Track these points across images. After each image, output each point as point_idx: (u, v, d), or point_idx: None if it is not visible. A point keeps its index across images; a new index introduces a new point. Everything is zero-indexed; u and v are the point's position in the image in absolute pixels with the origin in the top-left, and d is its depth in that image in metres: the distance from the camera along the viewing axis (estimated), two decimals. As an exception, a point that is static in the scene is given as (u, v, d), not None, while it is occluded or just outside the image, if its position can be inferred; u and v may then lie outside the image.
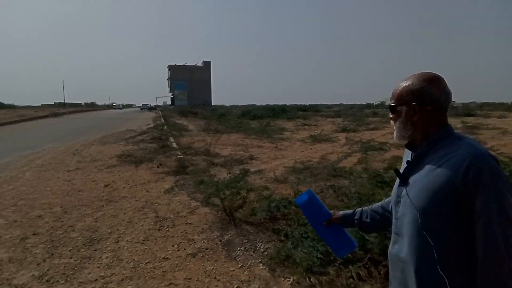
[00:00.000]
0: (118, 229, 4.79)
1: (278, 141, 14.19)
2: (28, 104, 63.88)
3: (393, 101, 1.38)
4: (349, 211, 1.68)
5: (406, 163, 1.37)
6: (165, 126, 20.87)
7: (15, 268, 3.65)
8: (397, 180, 1.39)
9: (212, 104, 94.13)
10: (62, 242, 4.36)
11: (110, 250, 4.13)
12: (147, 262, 3.80)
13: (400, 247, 1.31)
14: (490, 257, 1.10)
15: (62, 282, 3.39)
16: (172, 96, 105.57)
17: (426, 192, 1.20)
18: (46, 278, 3.45)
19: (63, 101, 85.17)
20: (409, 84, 1.32)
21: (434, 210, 1.18)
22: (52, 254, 4.00)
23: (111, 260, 3.86)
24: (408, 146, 1.40)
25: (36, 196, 6.45)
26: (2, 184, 7.40)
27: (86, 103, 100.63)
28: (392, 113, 1.40)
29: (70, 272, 3.58)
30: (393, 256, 1.36)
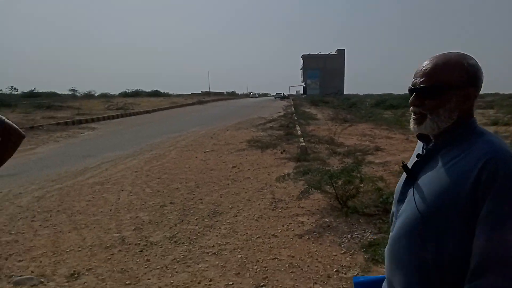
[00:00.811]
0: (238, 206, 5.29)
1: (411, 133, 13.29)
2: (180, 93, 72.63)
3: (437, 81, 1.07)
4: None
5: (416, 157, 1.17)
6: (294, 115, 21.44)
7: (152, 229, 4.42)
8: (403, 176, 1.21)
9: (345, 93, 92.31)
10: (191, 211, 5.04)
11: (228, 222, 4.62)
12: (258, 237, 4.15)
13: (397, 248, 1.13)
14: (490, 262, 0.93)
15: (186, 244, 3.98)
16: (304, 85, 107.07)
17: (432, 195, 1.04)
18: (175, 239, 4.09)
19: (208, 90, 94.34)
20: (464, 62, 1.07)
21: (439, 216, 1.02)
22: (182, 221, 4.68)
23: (228, 231, 4.33)
24: (421, 137, 1.19)
25: (177, 172, 7.50)
26: (152, 160, 8.80)
27: (227, 92, 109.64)
28: (430, 98, 1.08)
29: (194, 237, 4.16)
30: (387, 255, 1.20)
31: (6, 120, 2.01)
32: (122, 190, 6.14)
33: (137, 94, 53.79)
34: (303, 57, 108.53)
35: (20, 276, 3.25)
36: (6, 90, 39.23)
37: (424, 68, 1.10)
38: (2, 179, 7.26)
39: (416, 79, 1.12)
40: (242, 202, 5.45)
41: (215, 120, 19.98)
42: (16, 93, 39.94)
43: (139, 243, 3.99)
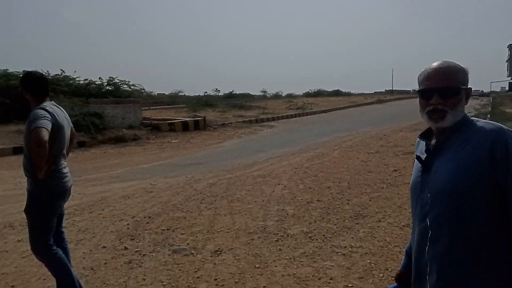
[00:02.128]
0: (385, 211, 5.05)
1: None
2: (362, 92, 71.52)
3: (455, 83, 1.29)
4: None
5: (425, 152, 1.36)
6: (489, 115, 18.42)
7: (293, 222, 4.68)
8: (417, 169, 1.38)
9: None
10: (335, 211, 5.10)
11: (369, 226, 4.49)
12: (395, 245, 3.91)
13: (434, 237, 1.27)
14: None
15: (320, 241, 4.08)
16: (511, 80, 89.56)
17: (454, 176, 1.20)
18: (310, 235, 4.25)
19: (391, 89, 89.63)
20: (461, 67, 1.32)
21: (465, 193, 1.18)
22: (323, 218, 4.79)
23: (365, 235, 4.22)
24: (422, 136, 1.42)
25: (334, 171, 7.60)
26: (313, 158, 9.13)
27: (414, 90, 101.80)
28: (451, 97, 1.29)
29: (329, 235, 4.22)
30: (420, 247, 1.32)
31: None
32: (278, 184, 6.65)
33: (318, 94, 55.85)
34: (510, 46, 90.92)
35: (178, 246, 4.01)
36: (211, 92, 46.87)
37: (442, 72, 1.31)
38: (191, 166, 8.85)
39: (435, 81, 1.30)
40: (391, 208, 5.17)
41: (390, 120, 19.00)
42: (219, 94, 47.28)
43: (277, 233, 4.31)
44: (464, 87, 1.31)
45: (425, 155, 1.35)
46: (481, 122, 1.28)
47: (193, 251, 3.87)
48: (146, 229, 4.53)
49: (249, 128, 17.84)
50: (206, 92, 45.74)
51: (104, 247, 4.04)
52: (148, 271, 3.46)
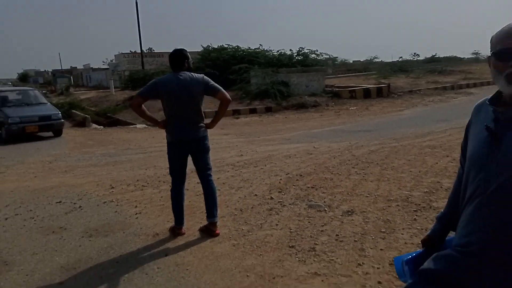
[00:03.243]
0: None
1: None
2: None
3: None
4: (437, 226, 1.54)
5: (494, 121, 1.22)
6: None
7: (443, 195, 4.31)
8: (481, 139, 1.25)
9: None
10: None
11: None
12: None
13: (494, 209, 1.17)
14: None
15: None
16: None
17: None
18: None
19: None
20: None
21: None
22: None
23: None
24: (492, 100, 1.27)
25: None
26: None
27: None
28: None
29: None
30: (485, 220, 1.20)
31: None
32: (447, 156, 6.05)
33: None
34: None
35: (315, 202, 4.32)
36: (408, 57, 43.45)
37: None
38: (359, 133, 8.87)
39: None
40: None
41: None
42: (418, 59, 43.38)
43: (419, 204, 4.09)
44: None
45: (493, 124, 1.23)
46: None
47: (326, 209, 4.13)
48: (293, 185, 5.01)
49: (441, 96, 16.10)
50: (401, 57, 42.68)
51: (255, 195, 4.72)
52: (282, 219, 3.93)
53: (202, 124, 3.65)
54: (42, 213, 4.42)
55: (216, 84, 3.64)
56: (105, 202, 4.76)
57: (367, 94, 15.92)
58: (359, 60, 57.43)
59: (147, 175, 5.91)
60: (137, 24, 27.02)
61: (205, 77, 3.65)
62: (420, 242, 1.63)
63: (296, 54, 21.37)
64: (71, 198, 4.97)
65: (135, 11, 26.89)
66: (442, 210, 1.56)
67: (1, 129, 10.41)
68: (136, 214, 4.30)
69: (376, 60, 52.51)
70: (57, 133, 10.96)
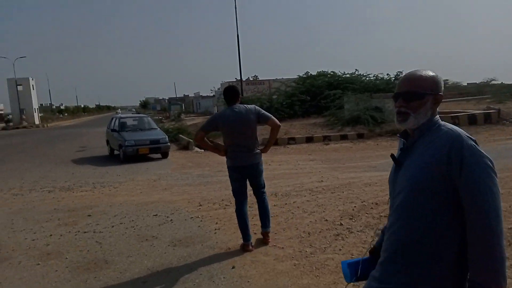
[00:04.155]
0: None
1: None
2: None
3: (418, 89, 1.43)
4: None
5: (400, 150, 1.53)
6: None
7: None
8: (393, 165, 1.53)
9: None
10: None
11: None
12: None
13: (394, 222, 1.44)
14: (477, 208, 1.25)
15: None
16: None
17: (417, 174, 1.36)
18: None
19: None
20: (433, 75, 1.46)
21: (425, 188, 1.33)
22: None
23: None
24: (402, 135, 1.53)
25: None
26: None
27: None
28: (413, 100, 1.44)
29: None
30: (387, 231, 1.49)
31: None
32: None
33: None
34: None
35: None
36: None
37: (407, 78, 1.48)
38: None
39: (401, 87, 1.48)
40: None
41: None
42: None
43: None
44: (430, 92, 1.43)
45: (399, 153, 1.52)
46: (447, 126, 1.40)
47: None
48: (366, 213, 5.04)
49: None
50: (523, 79, 37.81)
51: (326, 220, 4.88)
52: (347, 245, 4.04)
53: (258, 150, 4.09)
54: (140, 223, 5.21)
55: (266, 113, 4.11)
56: (192, 217, 5.39)
57: (472, 120, 14.64)
58: (475, 83, 52.32)
59: (231, 196, 6.45)
60: (238, 55, 29.00)
61: (257, 107, 4.13)
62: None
63: (394, 78, 20.72)
64: (165, 212, 5.73)
65: (237, 43, 28.97)
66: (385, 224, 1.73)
67: (119, 150, 12.19)
68: (215, 230, 4.80)
69: (494, 82, 47.36)
70: (164, 155, 12.40)
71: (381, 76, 21.57)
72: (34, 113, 49.78)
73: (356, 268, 1.59)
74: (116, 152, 12.93)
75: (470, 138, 1.34)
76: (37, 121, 49.22)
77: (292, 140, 13.88)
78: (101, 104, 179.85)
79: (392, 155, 1.53)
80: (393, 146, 11.88)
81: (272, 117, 4.10)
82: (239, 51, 28.43)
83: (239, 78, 28.55)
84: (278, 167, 9.26)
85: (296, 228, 4.63)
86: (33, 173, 10.24)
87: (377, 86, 19.94)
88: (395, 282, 1.38)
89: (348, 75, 22.55)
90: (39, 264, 3.97)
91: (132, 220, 5.38)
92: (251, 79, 45.31)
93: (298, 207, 5.52)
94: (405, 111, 1.45)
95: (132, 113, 24.58)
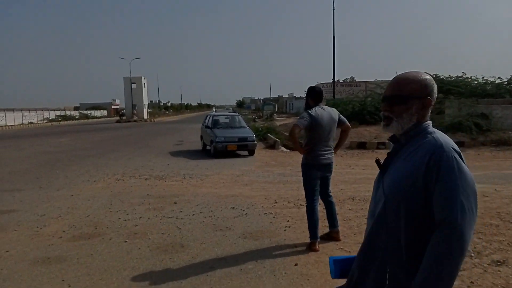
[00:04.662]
0: None
1: None
2: None
3: (402, 92, 1.38)
4: None
5: (387, 154, 1.46)
6: None
7: None
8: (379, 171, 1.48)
9: None
10: None
11: None
12: None
13: (373, 227, 1.42)
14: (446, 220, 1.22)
15: None
16: None
17: (396, 181, 1.34)
18: None
19: None
20: (421, 78, 1.39)
21: (405, 194, 1.30)
22: None
23: None
24: (391, 138, 1.47)
25: None
26: None
27: None
28: (397, 105, 1.39)
29: None
30: (366, 233, 1.47)
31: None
32: None
33: None
34: None
35: (463, 245, 3.98)
36: None
37: (392, 82, 1.44)
38: None
39: (387, 90, 1.44)
40: None
41: None
42: None
43: None
44: (417, 96, 1.37)
45: (386, 157, 1.48)
46: (433, 134, 1.35)
47: (473, 254, 3.77)
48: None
49: None
50: None
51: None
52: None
53: (333, 149, 4.23)
54: (218, 214, 5.56)
55: (341, 115, 4.26)
56: (266, 213, 5.57)
57: None
58: None
59: (307, 196, 6.50)
60: (332, 56, 28.53)
61: (335, 109, 4.27)
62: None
63: (506, 83, 18.45)
64: (242, 206, 6.01)
65: (332, 44, 28.53)
66: None
67: (210, 146, 12.99)
68: (286, 227, 4.91)
69: None
70: (251, 152, 12.86)
71: (492, 80, 19.40)
72: (144, 109, 55.12)
73: (341, 265, 1.58)
74: (208, 147, 13.79)
75: (454, 150, 1.29)
76: (145, 116, 54.44)
77: (382, 145, 13.32)
78: (202, 102, 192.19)
79: (377, 160, 1.50)
80: (497, 157, 10.71)
81: (346, 120, 4.34)
82: (334, 52, 28.04)
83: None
84: (362, 171, 8.99)
85: (361, 233, 4.50)
86: (135, 162, 11.46)
87: (486, 91, 17.98)
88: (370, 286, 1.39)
89: (452, 78, 20.75)
90: (126, 241, 4.51)
91: (211, 211, 5.75)
92: (348, 80, 44.14)
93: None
94: (388, 115, 1.42)
95: (228, 111, 25.85)
